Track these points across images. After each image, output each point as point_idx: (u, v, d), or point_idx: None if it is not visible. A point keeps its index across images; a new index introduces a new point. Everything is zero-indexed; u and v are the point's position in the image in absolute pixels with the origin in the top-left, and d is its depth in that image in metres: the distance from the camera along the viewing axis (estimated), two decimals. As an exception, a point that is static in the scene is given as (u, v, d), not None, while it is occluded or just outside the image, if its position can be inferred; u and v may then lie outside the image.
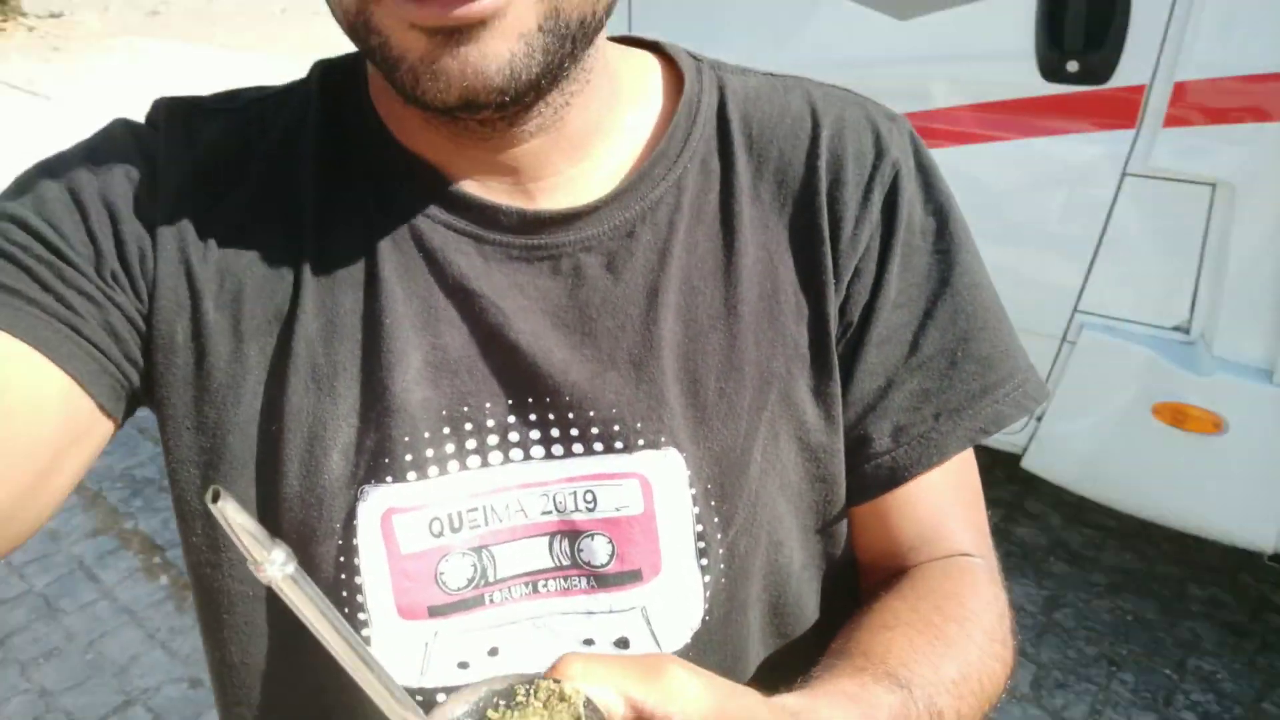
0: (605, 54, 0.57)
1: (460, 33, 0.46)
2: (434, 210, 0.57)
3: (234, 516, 0.36)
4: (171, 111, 0.59)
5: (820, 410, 0.60)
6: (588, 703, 0.37)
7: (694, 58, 0.64)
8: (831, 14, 2.11)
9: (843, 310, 0.60)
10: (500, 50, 0.47)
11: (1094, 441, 2.03)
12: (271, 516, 0.56)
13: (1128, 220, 1.90)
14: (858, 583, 0.66)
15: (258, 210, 0.57)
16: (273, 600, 0.57)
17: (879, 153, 0.61)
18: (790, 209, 0.60)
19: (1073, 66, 1.85)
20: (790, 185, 0.60)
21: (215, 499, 0.36)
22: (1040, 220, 2.00)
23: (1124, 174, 1.87)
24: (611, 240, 0.58)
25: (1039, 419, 2.11)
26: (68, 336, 0.51)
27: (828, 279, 0.59)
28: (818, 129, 0.61)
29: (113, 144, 0.57)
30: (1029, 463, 2.18)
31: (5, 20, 12.95)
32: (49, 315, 0.51)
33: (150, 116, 0.59)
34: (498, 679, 0.39)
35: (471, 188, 0.57)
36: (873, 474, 0.61)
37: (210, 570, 0.58)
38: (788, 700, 0.46)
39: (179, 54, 11.08)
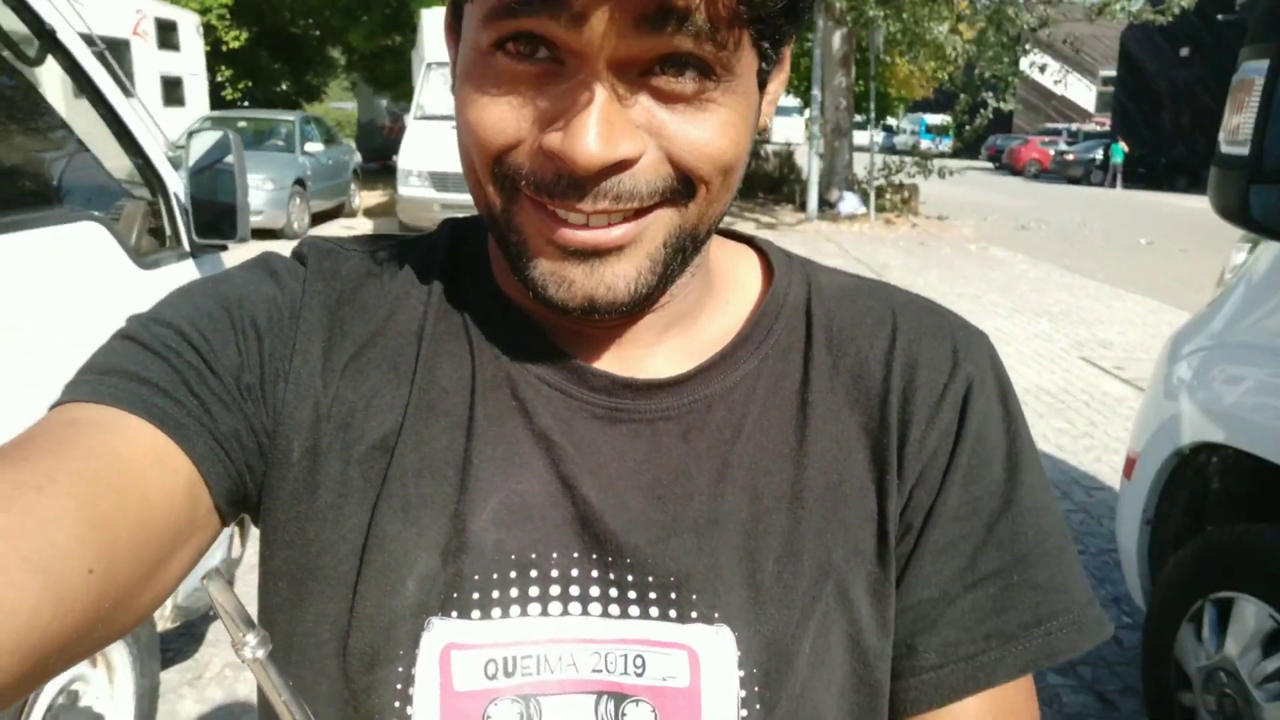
0: (708, 249, 0.61)
1: (597, 255, 0.51)
2: (530, 365, 0.60)
3: (219, 596, 0.39)
4: (316, 249, 0.65)
5: (874, 612, 0.59)
6: None
7: (786, 254, 0.67)
8: None
9: (903, 514, 0.60)
10: (630, 270, 0.52)
11: None
12: (346, 635, 0.58)
13: None
14: None
15: (378, 344, 0.61)
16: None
17: (955, 364, 0.62)
18: (863, 407, 0.61)
19: None
20: (865, 384, 0.62)
21: (206, 579, 0.40)
22: None
23: None
24: (689, 413, 0.60)
25: None
26: (203, 436, 0.55)
27: (893, 480, 0.60)
28: (896, 332, 0.63)
29: (265, 271, 0.63)
30: None
31: (899, 216, 15.46)
32: (189, 415, 0.55)
33: (298, 251, 0.66)
34: None
35: (568, 347, 0.61)
36: (917, 688, 0.60)
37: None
38: None
39: (1016, 264, 11.72)
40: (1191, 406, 2.30)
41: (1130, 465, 2.51)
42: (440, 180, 10.39)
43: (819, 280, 0.66)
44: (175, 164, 2.64)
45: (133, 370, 0.55)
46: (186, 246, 2.56)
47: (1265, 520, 2.17)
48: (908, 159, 16.57)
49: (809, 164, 15.35)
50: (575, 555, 0.57)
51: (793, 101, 25.24)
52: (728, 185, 0.53)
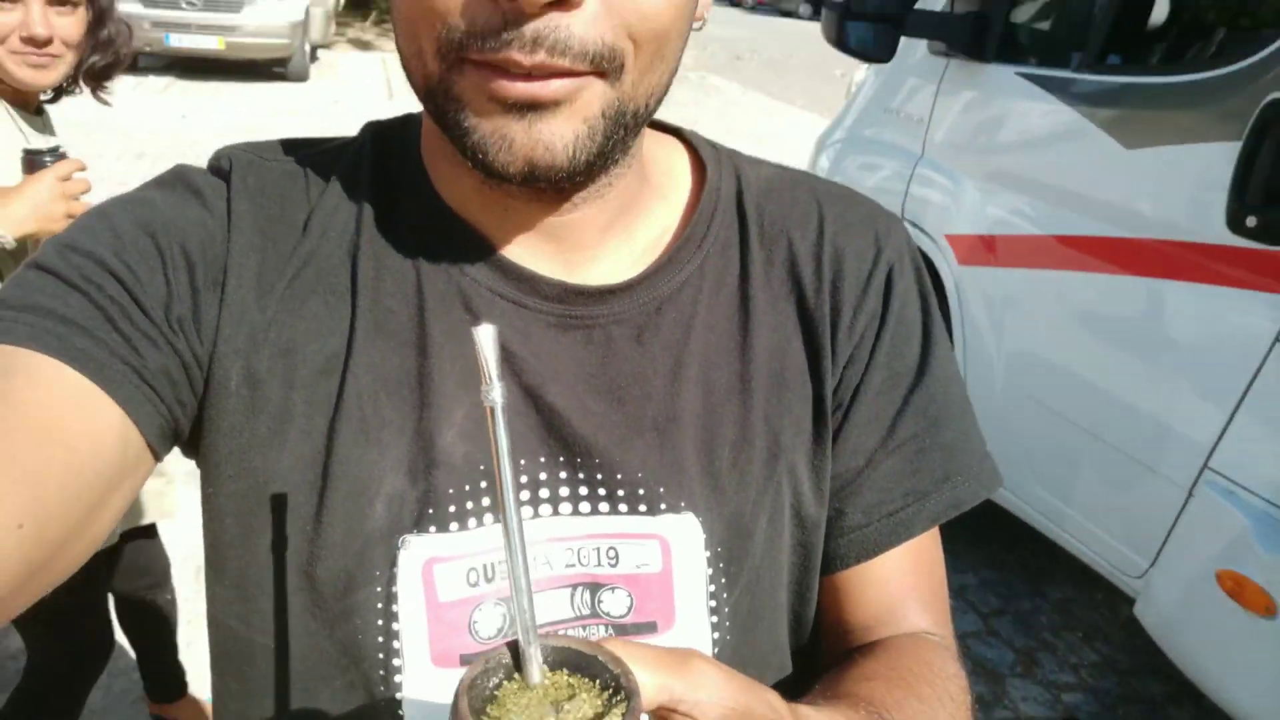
0: (642, 139, 0.61)
1: (534, 110, 0.50)
2: (480, 275, 0.60)
3: (487, 344, 0.39)
4: (237, 161, 0.62)
5: (814, 485, 0.65)
6: (625, 674, 0.40)
7: (713, 146, 0.70)
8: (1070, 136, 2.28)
9: (835, 392, 0.65)
10: (566, 131, 0.51)
11: (1173, 600, 1.97)
12: (312, 564, 0.57)
13: (1272, 388, 1.84)
14: (821, 649, 0.69)
15: (313, 264, 0.59)
16: (293, 654, 0.59)
17: (878, 251, 0.67)
18: (797, 297, 0.65)
19: (1251, 222, 1.85)
20: (798, 275, 0.66)
21: (477, 330, 0.40)
22: (1192, 366, 2.00)
23: (1276, 340, 1.83)
24: (640, 315, 0.62)
25: (1151, 566, 2.08)
26: (128, 376, 0.52)
27: (828, 363, 0.64)
28: (823, 224, 0.67)
29: (188, 191, 0.60)
30: (1138, 610, 2.13)
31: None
32: (113, 355, 0.52)
33: (216, 166, 0.62)
34: (559, 636, 0.42)
35: (515, 255, 0.61)
36: (845, 547, 0.66)
37: (235, 622, 0.60)
38: (802, 708, 0.49)
39: (730, 91, 12.76)
40: (826, 186, 3.25)
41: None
42: (149, -5, 9.59)
43: (746, 173, 0.68)
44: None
45: (50, 307, 0.52)
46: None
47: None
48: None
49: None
50: (543, 460, 0.59)
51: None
52: (662, 56, 0.53)
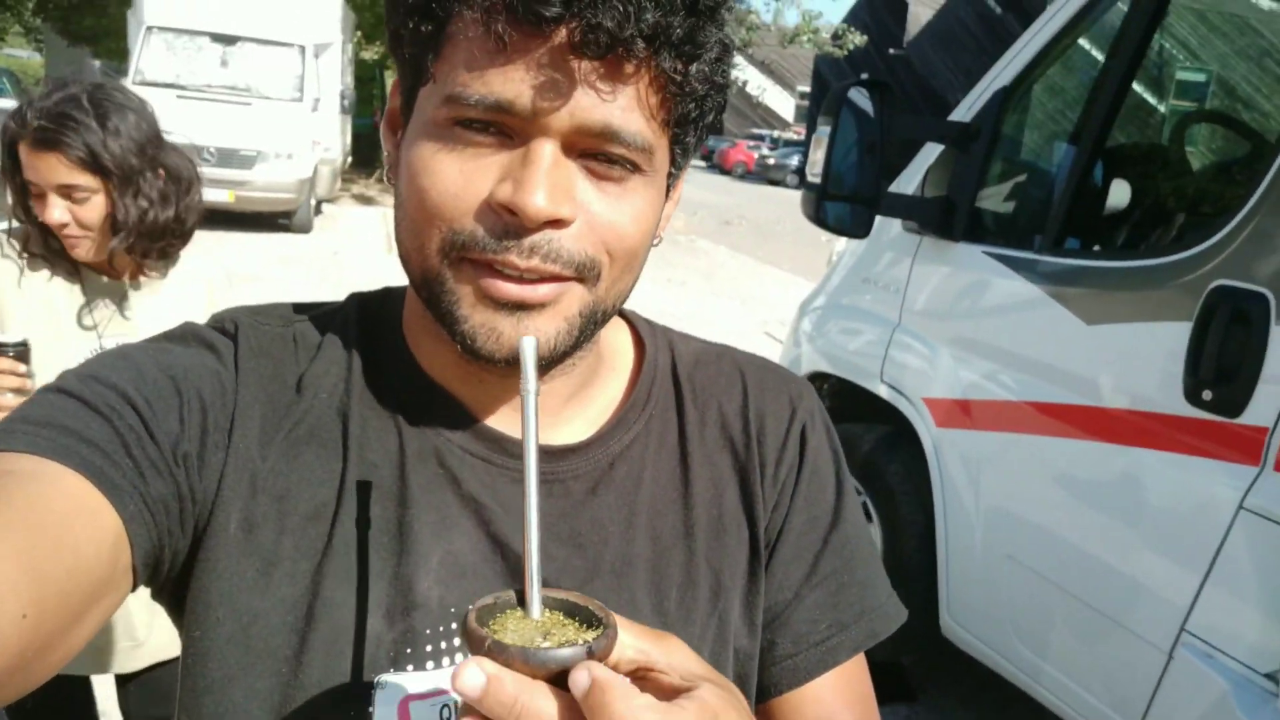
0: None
1: (523, 309, 0.58)
2: (454, 436, 0.67)
3: (528, 352, 0.49)
4: (240, 323, 0.68)
5: (746, 620, 0.71)
6: (608, 617, 0.46)
7: (649, 324, 0.79)
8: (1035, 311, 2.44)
9: (765, 533, 0.72)
10: (549, 328, 0.59)
11: (1158, 765, 1.97)
12: (286, 705, 0.60)
13: (1238, 553, 1.91)
14: None
15: (308, 421, 0.65)
16: None
17: (793, 410, 0.76)
18: (729, 451, 0.74)
19: (1207, 395, 1.97)
20: (729, 433, 0.74)
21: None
22: (1164, 530, 2.07)
23: (1240, 507, 1.91)
24: (596, 471, 0.69)
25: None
26: (134, 497, 0.56)
27: (760, 508, 0.72)
28: (746, 389, 0.76)
29: (202, 345, 0.66)
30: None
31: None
32: (124, 477, 0.56)
33: (221, 327, 0.68)
34: (559, 589, 0.49)
35: (488, 420, 0.68)
36: (778, 675, 0.72)
37: None
38: None
39: (718, 254, 13.17)
40: (810, 348, 3.38)
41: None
42: (165, 150, 10.02)
43: (678, 347, 0.78)
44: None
45: (72, 426, 0.56)
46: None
47: (850, 421, 3.26)
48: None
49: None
50: None
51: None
52: (630, 268, 0.62)
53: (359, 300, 0.73)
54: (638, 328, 0.77)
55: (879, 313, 3.04)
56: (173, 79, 10.57)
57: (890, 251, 3.04)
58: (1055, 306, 2.38)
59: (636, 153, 0.57)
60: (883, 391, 2.94)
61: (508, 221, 0.56)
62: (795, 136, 38.86)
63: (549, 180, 0.55)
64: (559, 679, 0.43)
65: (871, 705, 0.75)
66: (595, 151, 0.56)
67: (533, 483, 0.49)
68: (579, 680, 0.42)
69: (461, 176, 0.56)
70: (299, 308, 0.72)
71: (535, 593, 0.48)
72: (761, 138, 38.61)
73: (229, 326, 0.67)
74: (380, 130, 0.66)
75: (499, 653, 0.43)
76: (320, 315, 0.71)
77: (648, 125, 0.56)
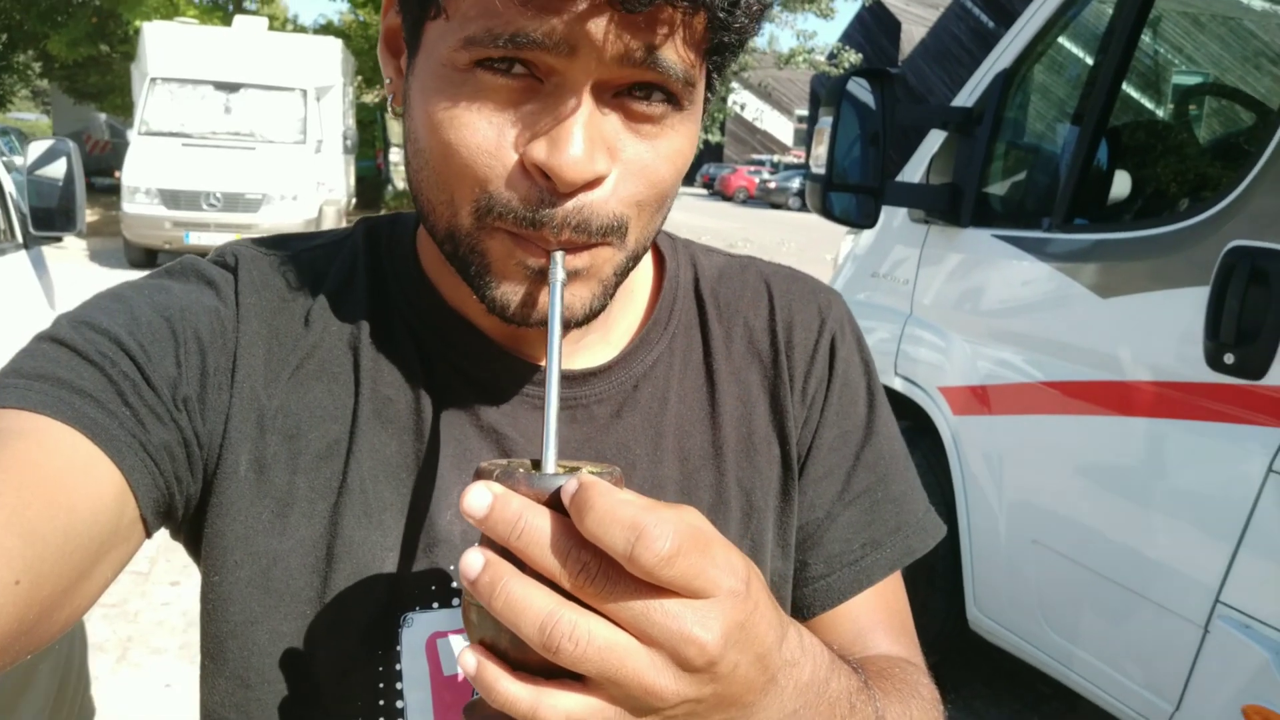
0: None
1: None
2: (471, 365, 0.64)
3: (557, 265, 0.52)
4: (242, 256, 0.65)
5: (780, 540, 0.69)
6: (615, 472, 0.46)
7: (670, 238, 0.75)
8: (1048, 289, 2.41)
9: (796, 449, 0.70)
10: (585, 293, 0.57)
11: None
12: (310, 645, 0.59)
13: (1271, 518, 1.86)
14: None
15: (317, 355, 0.63)
16: None
17: (822, 321, 0.73)
18: (757, 367, 0.71)
19: (1229, 359, 1.94)
20: (756, 347, 0.71)
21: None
22: (1192, 501, 2.02)
23: (1269, 470, 1.87)
24: (620, 394, 0.67)
25: (1176, 710, 2.02)
26: (133, 447, 0.54)
27: (791, 424, 0.70)
28: (772, 301, 0.73)
29: (201, 280, 0.63)
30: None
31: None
32: (121, 426, 0.54)
33: (223, 260, 0.65)
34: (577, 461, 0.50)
35: (505, 345, 0.66)
36: (811, 596, 0.70)
37: (235, 714, 0.60)
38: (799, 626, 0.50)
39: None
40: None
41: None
42: (172, 198, 10.12)
43: (700, 261, 0.75)
44: (6, 166, 3.00)
45: (64, 377, 0.54)
46: (20, 238, 2.92)
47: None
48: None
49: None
50: None
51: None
52: (661, 211, 0.58)
53: (367, 225, 0.70)
54: (659, 244, 0.75)
55: (890, 305, 3.02)
56: (178, 128, 10.72)
57: (897, 244, 3.02)
58: (1069, 283, 2.35)
59: (676, 83, 0.52)
60: (897, 385, 2.90)
61: (543, 186, 0.52)
62: (795, 160, 39.06)
63: (585, 136, 0.51)
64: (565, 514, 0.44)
65: (907, 621, 0.73)
66: (633, 84, 0.52)
67: (555, 345, 0.49)
68: (568, 488, 0.42)
69: (492, 129, 0.52)
70: (304, 236, 0.70)
71: (551, 450, 0.47)
72: (762, 162, 38.80)
73: (230, 259, 0.65)
74: (379, 53, 0.62)
75: (505, 479, 0.44)
76: (327, 244, 0.69)
77: (688, 56, 0.52)
